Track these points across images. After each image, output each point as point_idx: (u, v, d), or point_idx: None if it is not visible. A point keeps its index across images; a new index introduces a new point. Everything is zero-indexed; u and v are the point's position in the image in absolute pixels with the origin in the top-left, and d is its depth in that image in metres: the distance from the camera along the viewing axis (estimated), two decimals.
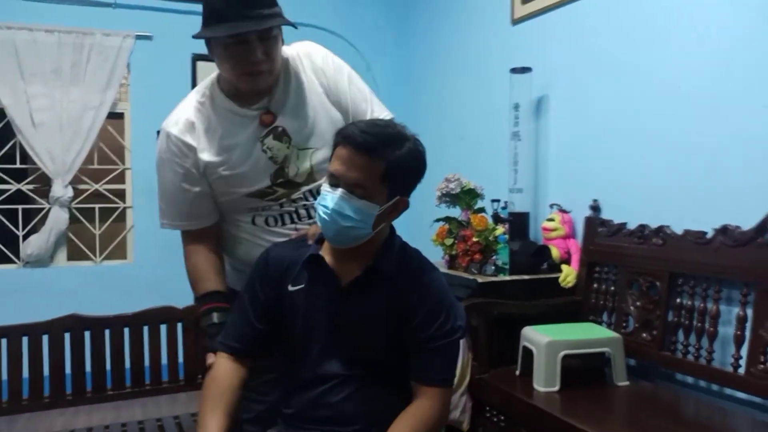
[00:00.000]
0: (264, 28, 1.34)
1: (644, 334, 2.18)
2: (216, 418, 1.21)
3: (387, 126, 1.24)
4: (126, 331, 2.20)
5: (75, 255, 3.71)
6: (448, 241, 2.63)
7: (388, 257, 1.27)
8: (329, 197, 1.20)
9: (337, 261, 1.28)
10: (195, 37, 1.41)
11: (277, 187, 1.49)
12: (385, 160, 1.18)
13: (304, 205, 1.51)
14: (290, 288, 1.31)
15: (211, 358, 1.36)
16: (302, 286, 1.30)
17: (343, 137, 1.21)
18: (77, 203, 3.63)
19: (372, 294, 1.25)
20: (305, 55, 1.53)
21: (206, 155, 1.46)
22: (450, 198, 2.71)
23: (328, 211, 1.20)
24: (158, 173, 1.53)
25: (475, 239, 2.49)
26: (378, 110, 1.57)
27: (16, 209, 3.52)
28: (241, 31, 1.32)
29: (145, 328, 2.23)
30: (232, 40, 1.34)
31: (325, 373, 1.29)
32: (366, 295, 1.25)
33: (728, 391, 1.98)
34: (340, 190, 1.19)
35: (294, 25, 1.42)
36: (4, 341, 2.05)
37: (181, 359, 2.29)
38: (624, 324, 2.28)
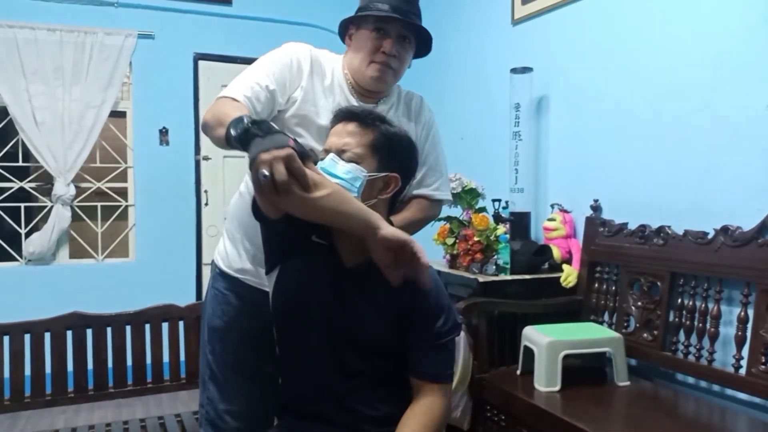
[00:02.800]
0: (411, 21, 1.45)
1: (645, 334, 2.19)
2: None
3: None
4: (128, 329, 2.21)
5: (77, 253, 3.72)
6: (450, 241, 2.64)
7: None
8: (318, 165, 1.20)
9: (339, 241, 1.26)
10: (353, 15, 1.50)
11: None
12: (375, 129, 1.24)
13: None
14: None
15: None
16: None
17: (336, 114, 1.29)
18: (79, 201, 3.63)
19: (376, 283, 1.23)
20: (425, 104, 1.64)
21: (307, 85, 1.47)
22: (451, 197, 2.71)
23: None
24: (263, 59, 1.48)
25: (476, 239, 2.49)
26: (441, 183, 1.63)
27: (19, 207, 3.53)
28: (399, 16, 1.43)
29: (147, 326, 2.24)
30: (380, 24, 1.45)
31: (324, 360, 1.27)
32: (371, 283, 1.23)
33: (729, 391, 1.98)
34: (330, 154, 1.23)
35: (429, 41, 1.52)
36: (6, 339, 2.06)
37: (182, 357, 2.30)
38: (625, 324, 2.28)
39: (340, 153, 1.22)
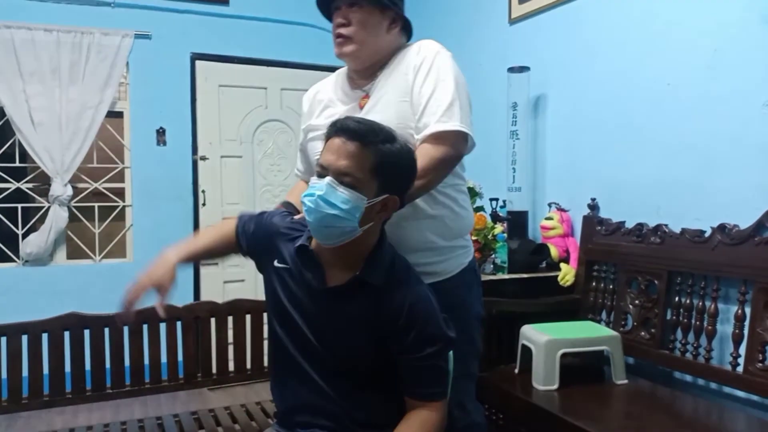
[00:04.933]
0: None
1: (643, 333, 2.19)
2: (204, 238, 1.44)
3: (380, 124, 1.22)
4: (125, 329, 2.20)
5: (74, 253, 3.71)
6: None
7: (377, 268, 1.22)
8: (316, 186, 1.16)
9: (326, 260, 1.25)
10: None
11: None
12: (377, 151, 1.16)
13: None
14: (276, 263, 1.30)
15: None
16: (287, 266, 1.29)
17: (336, 128, 1.19)
18: (76, 202, 3.63)
19: (357, 303, 1.22)
20: (418, 50, 1.49)
21: (310, 119, 1.59)
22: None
23: (314, 198, 1.15)
24: None
25: (474, 238, 2.49)
26: (435, 115, 1.40)
27: (16, 208, 3.52)
28: None
29: (145, 327, 2.23)
30: (334, 5, 1.49)
31: (305, 372, 1.27)
32: (351, 304, 1.22)
33: (727, 389, 1.98)
34: (328, 178, 1.15)
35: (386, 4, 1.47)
36: (3, 340, 2.06)
37: (180, 358, 2.30)
38: (623, 322, 2.29)
39: (339, 176, 1.15)
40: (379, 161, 1.16)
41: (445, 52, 1.50)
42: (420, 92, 1.43)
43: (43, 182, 3.59)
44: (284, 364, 1.31)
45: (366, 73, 1.53)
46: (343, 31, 1.47)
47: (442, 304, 1.39)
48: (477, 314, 1.56)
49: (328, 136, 1.21)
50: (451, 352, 1.31)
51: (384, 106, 1.45)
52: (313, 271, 1.25)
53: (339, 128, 1.18)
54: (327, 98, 1.59)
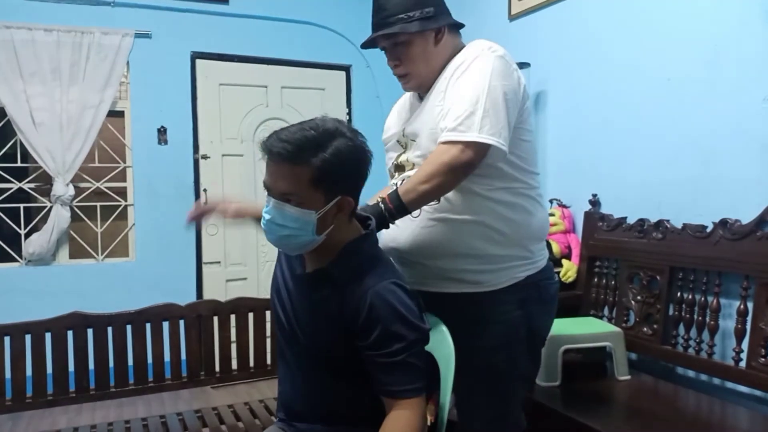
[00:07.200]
0: (381, 34, 1.46)
1: (645, 328, 2.19)
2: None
3: (309, 129, 1.16)
4: (128, 328, 2.21)
5: (77, 253, 3.72)
6: None
7: (344, 265, 1.21)
8: (266, 209, 1.18)
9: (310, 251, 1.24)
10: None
11: (394, 170, 1.57)
12: (310, 165, 1.12)
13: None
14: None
15: None
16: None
17: (263, 149, 1.16)
18: (79, 201, 3.63)
19: (322, 295, 1.21)
20: (464, 51, 1.48)
21: (387, 132, 1.66)
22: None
23: (265, 221, 1.18)
24: None
25: None
26: (453, 121, 1.34)
27: (18, 208, 3.53)
28: (366, 40, 1.52)
29: (148, 326, 2.24)
30: (379, 47, 1.53)
31: (285, 361, 1.32)
32: (317, 294, 1.23)
33: (729, 384, 1.99)
34: (272, 200, 1.16)
35: (432, 29, 1.47)
36: (7, 339, 2.07)
37: (183, 356, 2.30)
38: (625, 318, 2.29)
39: (281, 197, 1.15)
40: (315, 174, 1.13)
41: (488, 53, 1.42)
42: (450, 95, 1.41)
43: (45, 182, 3.59)
44: (279, 353, 1.35)
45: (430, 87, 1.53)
46: (400, 71, 1.51)
47: (474, 315, 1.39)
48: (525, 335, 1.45)
49: (263, 154, 1.18)
50: (451, 354, 1.28)
51: (426, 111, 1.47)
52: (297, 257, 1.29)
53: (267, 151, 1.15)
54: (398, 110, 1.66)
